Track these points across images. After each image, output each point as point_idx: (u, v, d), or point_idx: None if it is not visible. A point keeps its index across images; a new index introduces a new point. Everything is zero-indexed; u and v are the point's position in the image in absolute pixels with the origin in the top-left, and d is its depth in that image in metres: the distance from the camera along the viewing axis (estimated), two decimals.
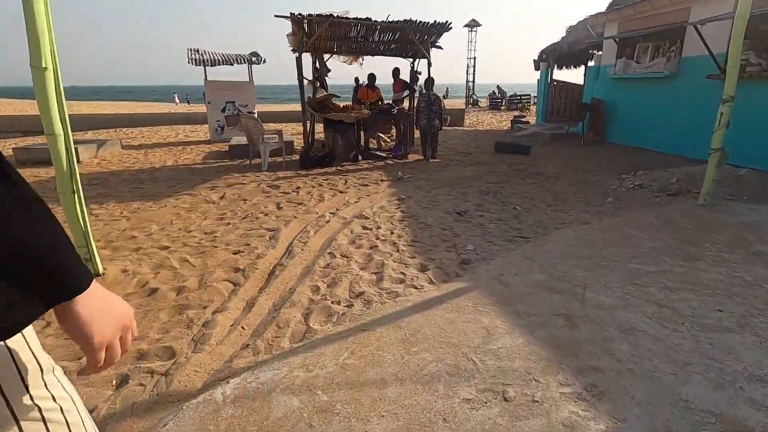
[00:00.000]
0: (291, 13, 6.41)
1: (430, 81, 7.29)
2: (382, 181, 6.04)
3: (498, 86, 26.70)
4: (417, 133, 8.67)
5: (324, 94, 7.58)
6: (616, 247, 3.29)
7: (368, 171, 6.79)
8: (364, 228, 4.01)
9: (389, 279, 2.91)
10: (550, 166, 7.13)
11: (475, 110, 24.37)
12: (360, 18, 6.67)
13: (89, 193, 5.38)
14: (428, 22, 6.87)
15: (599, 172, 6.53)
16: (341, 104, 7.74)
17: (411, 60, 8.74)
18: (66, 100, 2.71)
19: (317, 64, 8.28)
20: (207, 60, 9.48)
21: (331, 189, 5.54)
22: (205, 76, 10.22)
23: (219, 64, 9.68)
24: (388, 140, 8.48)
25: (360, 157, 7.66)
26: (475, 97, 27.55)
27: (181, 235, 3.84)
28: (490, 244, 3.56)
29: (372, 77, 8.25)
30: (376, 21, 6.73)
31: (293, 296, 2.68)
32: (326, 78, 8.50)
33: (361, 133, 7.98)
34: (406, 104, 9.17)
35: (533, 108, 20.32)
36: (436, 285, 2.81)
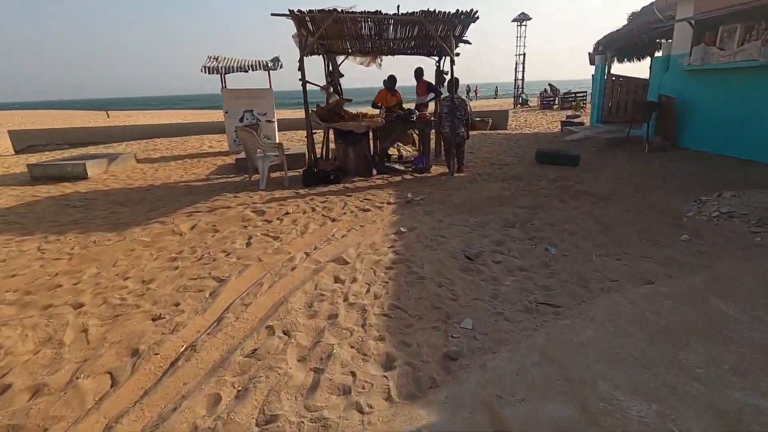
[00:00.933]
0: (290, 10, 5.60)
1: (453, 82, 6.18)
2: (388, 203, 5.05)
3: (550, 84, 24.66)
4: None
5: (334, 101, 6.71)
6: (701, 343, 2.08)
7: (379, 189, 5.82)
8: (336, 279, 3.05)
9: (328, 387, 1.93)
10: (602, 181, 5.76)
11: (524, 110, 22.59)
12: (369, 11, 5.73)
13: (63, 218, 4.89)
14: (449, 12, 5.78)
15: (669, 191, 5.10)
16: (354, 111, 6.82)
17: (437, 58, 7.66)
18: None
19: (330, 68, 7.44)
20: (222, 68, 8.99)
21: (323, 216, 4.63)
22: (223, 84, 9.78)
23: (234, 72, 9.17)
24: (410, 150, 7.46)
25: (374, 172, 6.71)
26: (524, 96, 25.67)
27: (111, 285, 3.10)
28: (499, 316, 2.47)
29: (391, 79, 7.27)
30: (387, 14, 5.75)
31: (173, 418, 1.78)
32: (340, 83, 7.64)
33: (377, 143, 7.02)
34: (431, 109, 8.10)
35: (589, 106, 18.31)
36: (393, 406, 1.79)
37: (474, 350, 2.15)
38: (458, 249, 3.52)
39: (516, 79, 25.87)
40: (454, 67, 6.14)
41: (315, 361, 2.13)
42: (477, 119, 13.68)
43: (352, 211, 4.76)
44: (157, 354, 2.23)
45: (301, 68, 6.04)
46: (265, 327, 2.44)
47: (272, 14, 5.71)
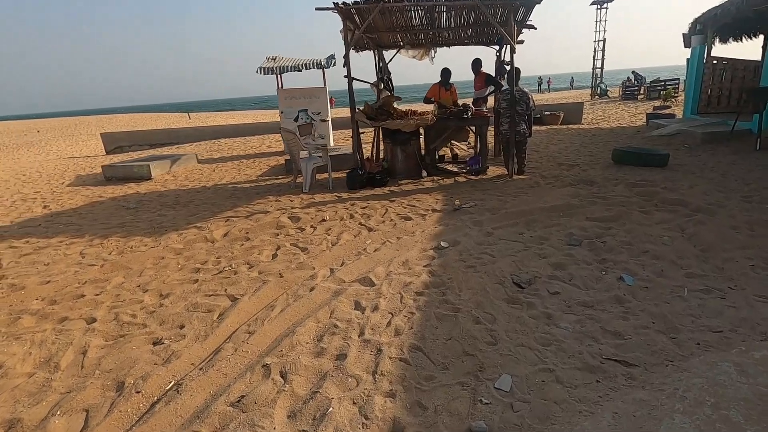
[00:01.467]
0: (335, 3, 5.28)
1: (513, 73, 5.46)
2: (433, 211, 4.53)
3: (634, 71, 22.19)
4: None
5: (382, 98, 6.30)
6: None
7: (426, 193, 5.31)
8: (356, 305, 2.64)
9: None
10: (699, 188, 4.75)
11: (603, 102, 20.55)
12: None
13: (114, 221, 5.03)
14: None
15: None
16: (404, 108, 6.36)
17: (497, 48, 6.93)
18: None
19: (380, 63, 7.04)
20: (276, 68, 8.98)
21: (359, 224, 4.25)
22: (280, 84, 9.81)
23: (288, 71, 9.13)
24: (465, 149, 6.82)
25: (424, 174, 6.21)
26: (603, 87, 23.39)
27: (128, 299, 2.97)
28: (549, 375, 1.89)
29: (445, 73, 6.69)
30: (438, 1, 5.21)
31: None
32: (391, 79, 7.21)
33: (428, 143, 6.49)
34: (491, 103, 7.38)
35: (682, 96, 16.09)
36: None
37: (508, 427, 1.62)
38: (506, 272, 2.94)
39: (594, 68, 23.64)
40: (515, 56, 5.42)
41: (306, 420, 1.74)
42: (546, 113, 12.53)
43: (391, 220, 4.33)
44: (139, 392, 1.97)
45: (347, 64, 5.71)
46: (261, 365, 2.10)
47: (317, 8, 5.44)
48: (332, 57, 9.52)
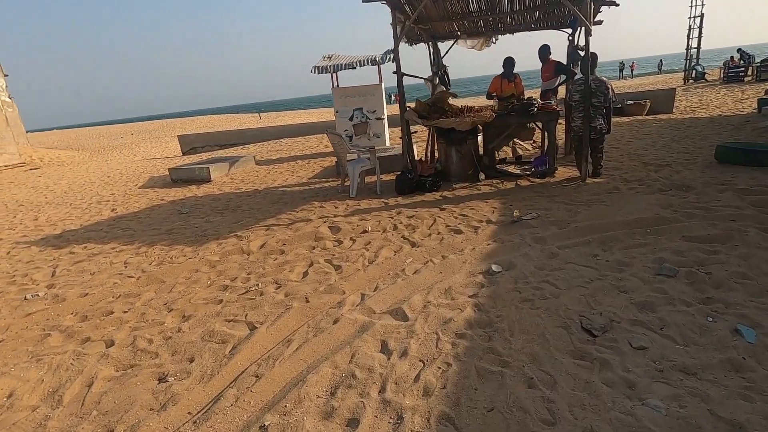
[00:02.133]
0: None
1: (588, 59, 4.65)
2: (488, 222, 3.96)
3: (740, 49, 19.17)
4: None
5: (436, 94, 5.78)
6: None
7: (483, 200, 4.73)
8: (382, 347, 2.22)
9: None
10: None
11: (699, 86, 18.00)
12: None
13: (165, 226, 5.09)
14: None
15: None
16: (460, 105, 5.78)
17: (569, 32, 6.07)
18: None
19: (435, 56, 6.50)
20: (330, 67, 8.79)
21: (402, 238, 3.81)
22: (336, 83, 9.63)
23: (342, 69, 8.89)
24: (530, 148, 6.07)
25: (482, 177, 5.60)
26: (699, 69, 20.51)
27: (151, 320, 2.83)
28: None
29: (508, 63, 5.98)
30: None
31: None
32: (447, 73, 6.64)
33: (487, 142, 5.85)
34: (562, 94, 6.52)
35: None
36: None
37: None
38: (573, 311, 2.34)
39: (689, 48, 20.79)
40: (590, 39, 4.61)
41: None
42: (629, 103, 11.09)
43: (439, 233, 3.84)
44: None
45: (396, 58, 5.28)
46: (259, 426, 1.76)
47: (364, 0, 5.06)
48: (388, 52, 9.13)
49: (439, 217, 4.28)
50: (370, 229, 4.15)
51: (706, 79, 20.10)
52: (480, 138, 5.84)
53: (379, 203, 5.09)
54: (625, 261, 2.88)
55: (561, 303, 2.44)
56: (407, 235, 3.86)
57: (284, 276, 3.28)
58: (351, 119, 9.40)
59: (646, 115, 10.92)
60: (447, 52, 6.64)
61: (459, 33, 6.26)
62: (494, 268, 2.93)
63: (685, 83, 20.22)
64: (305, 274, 3.29)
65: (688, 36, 20.55)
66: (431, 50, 6.54)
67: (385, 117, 9.53)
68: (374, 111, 9.38)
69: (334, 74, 9.39)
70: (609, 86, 4.75)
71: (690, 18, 20.26)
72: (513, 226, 3.81)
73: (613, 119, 10.12)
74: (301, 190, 6.39)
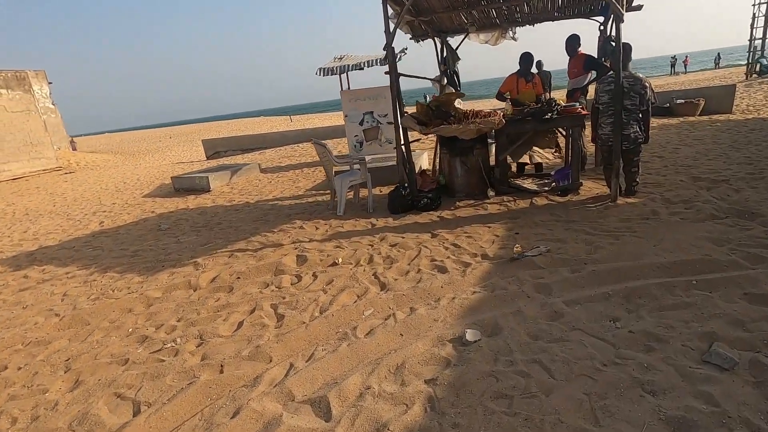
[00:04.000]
0: None
1: (619, 53, 3.72)
2: (483, 257, 3.17)
3: None
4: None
5: (440, 96, 5.01)
6: None
7: (485, 224, 3.93)
8: None
9: None
10: None
11: (764, 81, 15.99)
12: None
13: (134, 247, 4.64)
14: None
15: None
16: (468, 108, 4.96)
17: (600, 21, 5.12)
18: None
19: (443, 52, 5.73)
20: (337, 68, 8.18)
21: (373, 276, 3.10)
22: (347, 85, 9.03)
23: (349, 71, 8.26)
24: (551, 156, 5.14)
25: (491, 193, 4.78)
26: (764, 62, 18.33)
27: (39, 384, 2.29)
28: None
29: (526, 59, 5.11)
30: None
31: None
32: (457, 72, 5.84)
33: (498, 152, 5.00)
34: (591, 94, 5.56)
35: None
36: None
37: None
38: (573, 427, 1.55)
39: (752, 39, 18.60)
40: (622, 26, 3.68)
41: None
42: (678, 101, 9.76)
43: (419, 270, 3.09)
44: None
45: (389, 56, 4.58)
46: None
47: None
48: (401, 51, 8.41)
49: (426, 246, 3.53)
50: (340, 261, 3.46)
51: None
52: (494, 146, 5.01)
53: (366, 224, 4.39)
54: (656, 334, 2.03)
55: (551, 408, 1.65)
56: (380, 272, 3.14)
57: (214, 327, 2.65)
58: (361, 124, 8.75)
59: (699, 115, 9.55)
60: (457, 48, 5.84)
61: (469, 26, 5.43)
62: (469, 336, 2.16)
63: (747, 78, 18.12)
64: (239, 325, 2.65)
65: (752, 25, 18.40)
66: (439, 47, 5.77)
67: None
68: (386, 115, 8.67)
69: (342, 75, 8.79)
70: (646, 85, 3.81)
71: (754, 5, 18.12)
72: (513, 264, 3.01)
73: (660, 121, 8.91)
74: (292, 204, 5.80)
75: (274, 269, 3.46)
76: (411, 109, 5.13)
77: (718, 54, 37.62)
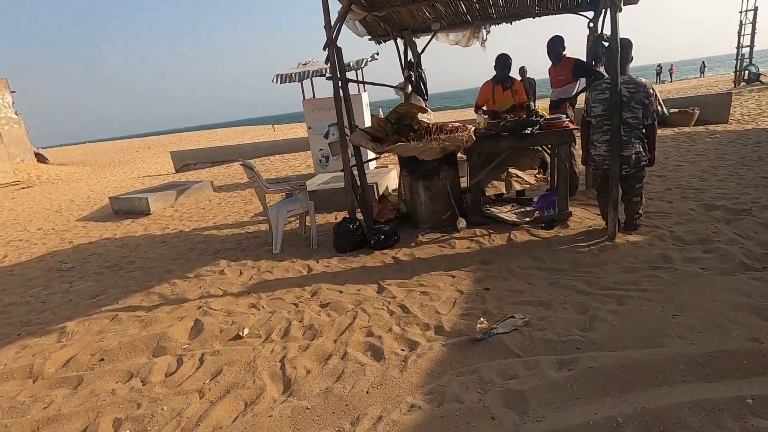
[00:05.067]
0: None
1: (615, 50, 2.88)
2: (436, 331, 2.27)
3: None
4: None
5: (399, 106, 4.13)
6: None
7: (449, 269, 3.05)
8: None
9: None
10: None
11: (755, 90, 15.54)
12: None
13: (12, 297, 3.66)
14: None
15: None
16: (435, 123, 4.08)
17: (589, 17, 4.31)
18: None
19: (407, 55, 4.88)
20: (295, 75, 7.30)
21: (281, 364, 2.18)
22: (311, 93, 8.16)
23: (308, 77, 7.39)
24: (534, 180, 4.30)
25: (461, 224, 3.89)
26: (752, 70, 17.95)
27: None
28: None
29: (502, 62, 4.27)
30: None
31: None
32: (424, 78, 4.99)
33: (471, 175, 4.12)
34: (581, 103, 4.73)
35: None
36: None
37: None
38: None
39: (740, 47, 18.23)
40: (619, 16, 2.85)
41: None
42: (672, 111, 9.06)
43: (345, 355, 2.17)
44: None
45: (330, 56, 3.72)
46: None
47: None
48: (372, 56, 7.56)
49: (365, 310, 2.61)
50: (246, 332, 2.53)
51: (761, 81, 17.54)
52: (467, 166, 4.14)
53: (301, 269, 3.47)
54: None
55: None
56: (291, 357, 2.21)
57: None
58: (326, 136, 7.88)
59: (695, 125, 8.86)
60: (423, 50, 5.00)
61: (432, 22, 4.55)
62: None
63: (736, 86, 17.70)
64: None
65: (739, 33, 18.03)
66: (402, 48, 4.92)
67: None
68: (356, 126, 7.82)
69: (306, 83, 7.92)
70: (651, 92, 2.96)
71: (741, 12, 17.78)
72: (476, 348, 2.10)
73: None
74: (228, 235, 4.86)
75: (155, 345, 2.51)
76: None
77: (703, 62, 37.71)
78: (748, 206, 3.58)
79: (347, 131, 4.04)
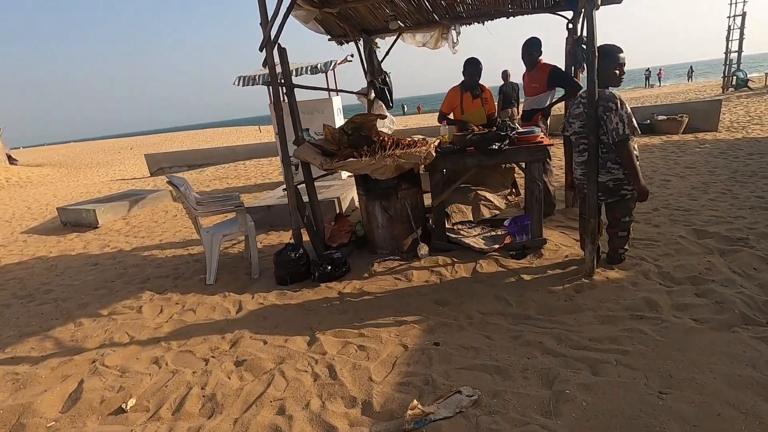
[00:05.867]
0: None
1: (592, 57, 2.42)
2: (363, 411, 1.79)
3: None
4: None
5: (357, 117, 3.64)
6: None
7: (400, 312, 2.57)
8: None
9: None
10: None
11: (743, 95, 15.34)
12: None
13: None
14: None
15: None
16: (389, 137, 3.59)
17: (568, 18, 3.87)
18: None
19: (369, 58, 4.40)
20: (258, 78, 6.78)
21: None
22: (282, 97, 7.63)
23: (263, 82, 6.86)
24: (504, 201, 3.83)
25: (422, 251, 3.41)
26: (740, 75, 17.80)
27: None
28: None
29: (472, 67, 3.81)
30: None
31: None
32: (389, 83, 4.51)
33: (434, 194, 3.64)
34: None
35: None
36: None
37: None
38: None
39: (728, 52, 18.06)
40: (596, 14, 2.40)
41: None
42: (660, 118, 8.71)
43: None
44: None
45: (268, 58, 3.22)
46: None
47: None
48: (346, 58, 7.06)
49: (284, 374, 2.11)
50: (131, 405, 2.01)
51: (749, 87, 17.38)
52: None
53: (230, 306, 2.96)
54: None
55: None
56: None
57: None
58: (295, 143, 7.35)
59: (683, 133, 8.51)
60: (387, 53, 4.52)
61: (390, 21, 4.05)
62: None
63: (724, 92, 17.53)
64: None
65: (728, 38, 17.87)
66: (364, 51, 4.43)
67: None
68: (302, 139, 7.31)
69: (271, 87, 7.39)
70: (612, 106, 2.45)
71: (729, 17, 17.60)
72: None
73: (641, 140, 7.68)
74: (168, 257, 4.33)
75: (14, 422, 1.99)
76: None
77: (691, 67, 37.79)
78: (745, 233, 3.15)
79: (293, 144, 3.54)
